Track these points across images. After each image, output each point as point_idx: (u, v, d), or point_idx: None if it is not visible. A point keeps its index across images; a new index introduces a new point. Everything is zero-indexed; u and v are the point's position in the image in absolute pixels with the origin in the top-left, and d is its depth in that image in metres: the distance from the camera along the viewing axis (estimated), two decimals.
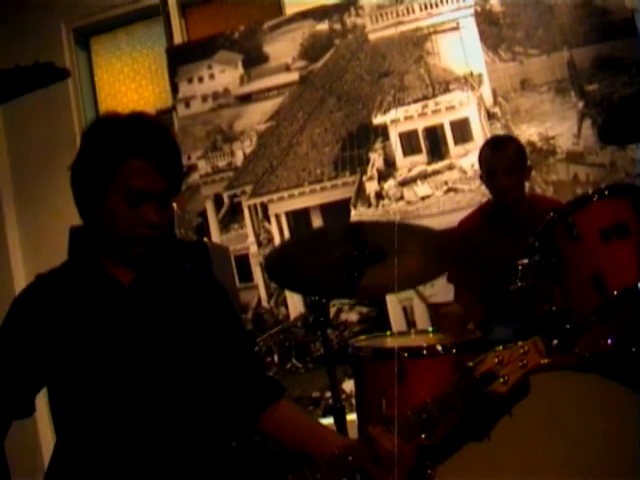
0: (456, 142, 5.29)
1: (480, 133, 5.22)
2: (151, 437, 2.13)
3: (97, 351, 2.13)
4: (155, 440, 2.14)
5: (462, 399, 2.18)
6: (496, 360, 2.18)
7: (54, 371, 2.16)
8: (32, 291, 2.26)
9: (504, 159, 3.86)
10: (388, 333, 3.67)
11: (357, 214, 5.37)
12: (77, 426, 2.17)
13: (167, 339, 2.22)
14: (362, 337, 3.50)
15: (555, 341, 2.78)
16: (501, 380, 2.16)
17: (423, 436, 2.21)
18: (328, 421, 3.14)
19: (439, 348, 3.01)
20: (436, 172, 5.31)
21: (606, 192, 2.90)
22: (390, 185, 5.37)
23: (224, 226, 5.70)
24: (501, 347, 2.25)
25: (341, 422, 3.03)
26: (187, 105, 5.85)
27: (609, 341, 2.79)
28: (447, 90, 5.34)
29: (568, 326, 2.80)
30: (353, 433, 2.97)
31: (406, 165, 5.37)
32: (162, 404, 2.16)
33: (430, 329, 3.57)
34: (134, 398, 2.14)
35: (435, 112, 5.35)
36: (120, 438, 2.13)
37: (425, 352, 3.03)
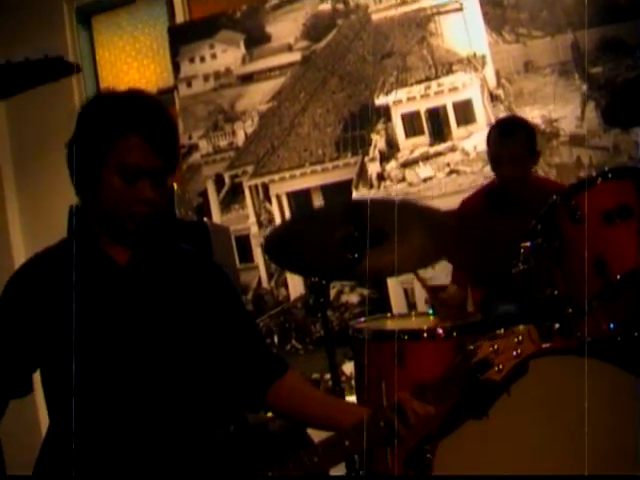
0: (459, 124, 5.26)
1: (483, 115, 5.19)
2: (147, 418, 2.13)
3: (92, 331, 2.12)
4: (151, 422, 2.13)
5: (457, 387, 2.19)
6: (491, 349, 2.19)
7: (48, 350, 2.15)
8: (28, 269, 2.25)
9: (511, 147, 3.80)
10: (388, 315, 3.66)
11: (358, 195, 5.35)
12: (69, 408, 2.16)
13: (163, 319, 2.21)
14: (362, 319, 3.49)
15: (557, 325, 2.78)
16: (495, 369, 2.18)
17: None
18: None
19: (439, 331, 3.01)
20: (438, 154, 5.29)
21: (609, 175, 2.88)
22: (392, 166, 5.35)
23: (225, 206, 5.69)
24: (502, 330, 2.25)
25: None
26: (189, 85, 5.83)
27: (611, 325, 2.78)
28: (450, 71, 5.31)
29: (570, 310, 2.79)
30: None
31: (408, 146, 5.35)
32: (158, 384, 2.15)
33: (430, 311, 3.57)
34: (130, 378, 2.13)
35: (438, 93, 5.32)
36: (115, 418, 2.12)
37: (425, 335, 3.04)
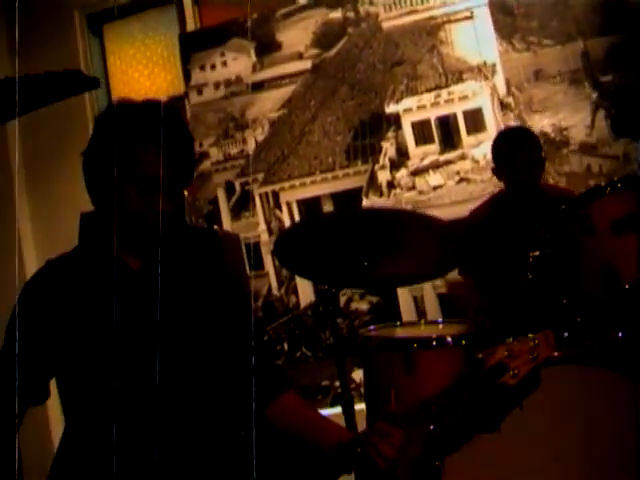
0: (469, 132, 5.26)
1: (493, 123, 5.19)
2: (161, 424, 2.13)
3: (108, 336, 2.14)
4: (165, 426, 2.14)
5: (471, 391, 2.17)
6: (506, 353, 2.16)
7: (65, 356, 2.17)
8: (42, 275, 2.27)
9: (525, 156, 3.82)
10: (398, 323, 3.66)
11: (368, 203, 5.35)
12: (86, 411, 2.18)
13: (177, 324, 2.23)
14: (372, 327, 3.49)
15: (566, 334, 2.78)
16: (511, 373, 2.14)
17: (432, 427, 2.21)
18: (336, 410, 3.14)
19: (449, 339, 3.01)
20: (448, 162, 5.29)
21: (618, 184, 2.88)
22: (402, 174, 5.36)
23: (235, 214, 5.70)
24: (511, 339, 2.24)
25: (349, 412, 3.03)
26: (199, 92, 5.84)
27: (619, 334, 2.78)
28: (460, 80, 5.31)
29: (579, 319, 2.79)
30: (362, 422, 2.98)
31: (418, 154, 5.35)
32: (172, 388, 2.17)
33: (440, 320, 3.57)
34: (144, 383, 2.15)
35: (448, 102, 5.32)
36: (130, 424, 2.13)
37: (434, 343, 3.04)
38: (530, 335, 2.22)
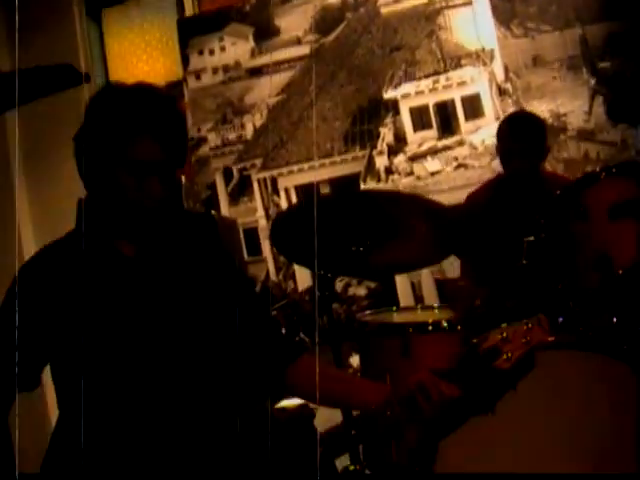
0: (467, 118, 5.26)
1: (491, 109, 5.19)
2: (161, 409, 2.14)
3: (102, 321, 2.14)
4: (165, 413, 2.14)
5: (466, 374, 2.19)
6: (500, 337, 2.17)
7: (58, 342, 2.17)
8: (37, 261, 2.26)
9: (521, 142, 3.81)
10: (394, 308, 3.67)
11: (366, 189, 5.35)
12: (80, 399, 2.18)
13: (174, 308, 2.22)
14: (368, 312, 3.50)
15: (560, 319, 2.79)
16: (504, 357, 2.16)
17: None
18: None
19: (444, 324, 3.02)
20: (446, 148, 5.30)
21: (614, 170, 2.89)
22: (400, 160, 5.36)
23: (233, 199, 5.70)
24: (506, 324, 2.25)
25: None
26: (197, 77, 5.84)
27: (614, 320, 2.79)
28: (459, 65, 5.31)
29: (573, 304, 2.80)
30: None
31: (416, 140, 5.35)
32: (170, 375, 2.17)
33: (436, 305, 3.58)
34: (141, 368, 2.15)
35: (446, 87, 5.32)
36: (126, 410, 2.13)
37: (430, 328, 3.05)
38: (524, 320, 2.23)
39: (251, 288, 2.51)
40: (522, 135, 3.83)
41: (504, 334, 2.18)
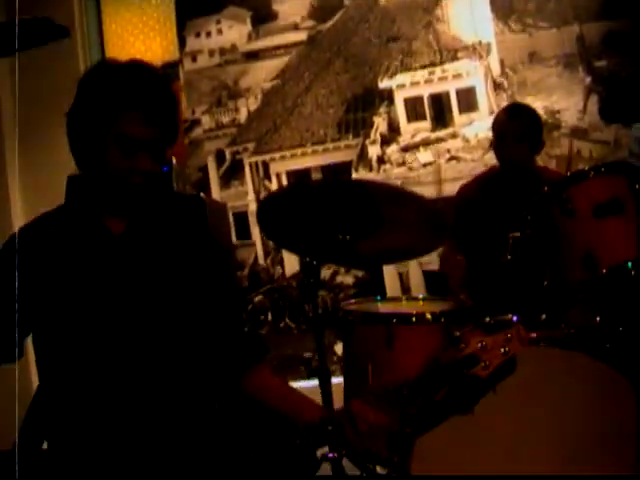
0: (461, 111, 5.27)
1: (485, 103, 5.20)
2: (134, 386, 2.14)
3: (82, 296, 2.14)
4: (138, 390, 2.14)
5: (443, 381, 2.20)
6: (479, 345, 2.19)
7: (40, 314, 2.17)
8: (23, 233, 2.26)
9: (517, 126, 3.83)
10: (378, 298, 3.67)
11: (358, 177, 5.36)
12: (60, 371, 2.18)
13: (152, 287, 2.22)
14: (353, 300, 3.51)
15: (543, 315, 2.80)
16: (482, 364, 2.18)
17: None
18: (314, 383, 3.15)
19: (428, 316, 3.03)
20: (439, 140, 5.31)
21: (603, 169, 2.90)
22: (393, 150, 5.37)
23: (224, 182, 5.70)
24: (488, 318, 2.26)
25: (325, 385, 3.04)
26: (194, 59, 5.84)
27: (597, 318, 2.81)
28: (455, 58, 5.31)
29: (556, 301, 2.81)
30: (339, 395, 3.00)
31: (410, 131, 5.36)
32: (145, 351, 2.16)
33: (421, 296, 3.59)
34: (117, 345, 2.14)
35: (442, 79, 5.33)
36: (103, 385, 2.13)
37: (414, 319, 3.05)
38: (504, 328, 2.24)
39: (228, 282, 2.51)
40: (519, 117, 3.86)
41: (483, 342, 2.20)
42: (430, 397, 2.20)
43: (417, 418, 2.42)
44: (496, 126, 3.96)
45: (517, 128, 3.82)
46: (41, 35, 2.27)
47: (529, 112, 3.97)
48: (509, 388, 2.44)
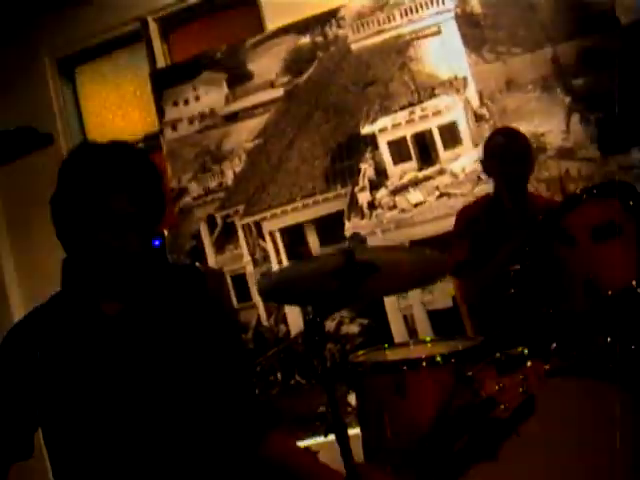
0: (445, 147, 5.26)
1: (469, 136, 5.20)
2: (150, 467, 2.12)
3: (84, 384, 2.13)
4: (154, 471, 2.12)
5: (463, 427, 2.17)
6: (497, 387, 2.16)
7: (47, 408, 2.15)
8: (19, 328, 2.25)
9: (518, 147, 3.87)
10: (386, 345, 3.63)
11: (351, 226, 5.35)
12: (71, 462, 2.15)
13: (156, 364, 2.20)
14: (360, 352, 3.47)
15: (554, 344, 2.76)
16: (502, 407, 2.15)
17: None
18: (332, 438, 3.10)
19: (438, 358, 2.99)
20: (427, 178, 5.29)
21: (594, 191, 2.88)
22: (382, 194, 5.35)
23: (219, 247, 5.68)
24: (498, 354, 2.24)
25: (343, 440, 2.98)
26: (174, 128, 5.84)
27: (607, 340, 2.77)
28: (433, 95, 5.32)
29: (564, 329, 2.78)
30: (357, 449, 2.95)
31: (397, 173, 5.35)
32: (156, 430, 2.15)
33: (428, 338, 3.55)
34: (127, 427, 2.13)
35: (422, 118, 5.33)
36: (117, 469, 2.11)
37: (424, 363, 3.02)
38: (519, 370, 2.21)
39: (236, 346, 2.49)
40: (516, 138, 3.94)
41: (501, 384, 2.17)
42: (450, 448, 2.16)
43: (437, 474, 2.38)
44: (495, 150, 3.95)
45: (518, 147, 3.84)
46: (26, 145, 2.27)
47: (523, 135, 4.02)
48: (531, 427, 2.40)
